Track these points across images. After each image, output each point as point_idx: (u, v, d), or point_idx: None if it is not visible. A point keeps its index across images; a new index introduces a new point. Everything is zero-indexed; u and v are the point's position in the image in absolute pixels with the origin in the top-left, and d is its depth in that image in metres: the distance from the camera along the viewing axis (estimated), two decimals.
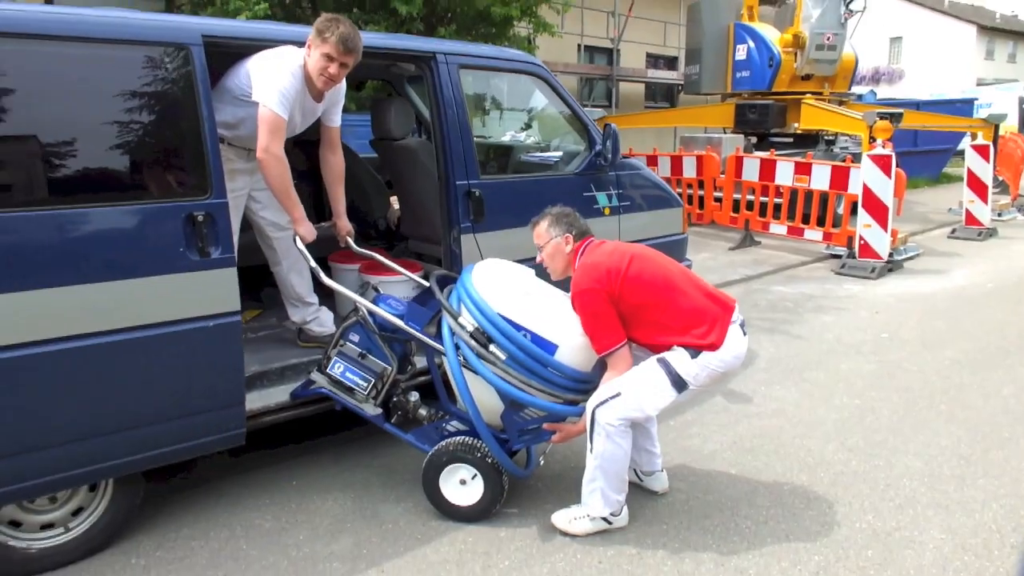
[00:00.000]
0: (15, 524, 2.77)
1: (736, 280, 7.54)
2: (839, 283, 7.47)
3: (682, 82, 14.55)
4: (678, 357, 2.81)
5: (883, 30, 33.13)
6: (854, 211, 7.92)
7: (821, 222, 8.51)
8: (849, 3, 11.02)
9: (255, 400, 3.27)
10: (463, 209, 3.70)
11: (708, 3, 13.08)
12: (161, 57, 2.77)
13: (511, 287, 3.02)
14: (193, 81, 2.81)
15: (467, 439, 3.07)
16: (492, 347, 2.84)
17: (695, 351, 2.79)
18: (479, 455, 3.02)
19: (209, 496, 3.31)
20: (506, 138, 5.47)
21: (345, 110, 3.59)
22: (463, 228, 3.70)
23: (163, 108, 2.79)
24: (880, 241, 7.71)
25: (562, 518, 3.04)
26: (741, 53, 11.73)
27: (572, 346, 2.89)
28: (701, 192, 9.73)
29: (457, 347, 2.92)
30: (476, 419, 2.95)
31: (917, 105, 15.69)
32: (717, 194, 9.57)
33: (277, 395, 3.37)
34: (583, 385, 2.93)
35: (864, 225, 7.74)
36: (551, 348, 2.86)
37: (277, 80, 3.00)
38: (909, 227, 10.10)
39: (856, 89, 18.03)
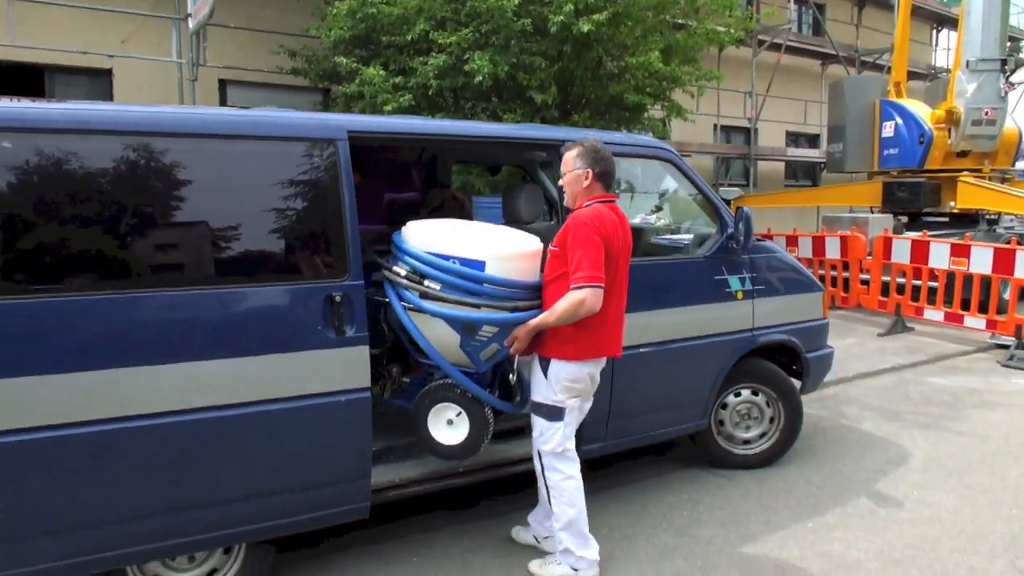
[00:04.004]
0: None
1: (886, 369, 7.00)
2: (1006, 376, 6.75)
3: (824, 160, 14.08)
4: (537, 389, 3.15)
5: None
6: (1022, 297, 7.21)
7: (983, 308, 7.79)
8: (1009, 76, 10.36)
9: (381, 474, 3.36)
10: None
11: (851, 81, 12.77)
12: (311, 151, 3.03)
13: (435, 228, 3.24)
14: (338, 172, 3.04)
15: (446, 380, 3.21)
16: (426, 281, 3.01)
17: (546, 361, 3.10)
18: (458, 391, 3.17)
19: (334, 567, 3.39)
20: (636, 220, 5.48)
21: (478, 193, 3.77)
22: None
23: (311, 196, 3.03)
24: None
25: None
26: (888, 130, 11.26)
27: (497, 258, 3.06)
28: (846, 274, 9.24)
29: (401, 297, 3.09)
30: (436, 357, 3.11)
31: None
32: (864, 276, 9.05)
33: (403, 470, 3.46)
34: (519, 292, 3.10)
35: None
36: (479, 265, 3.03)
37: None
38: None
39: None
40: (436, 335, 3.09)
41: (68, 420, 2.54)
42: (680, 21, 8.49)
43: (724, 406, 4.46)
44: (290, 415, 2.90)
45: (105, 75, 9.23)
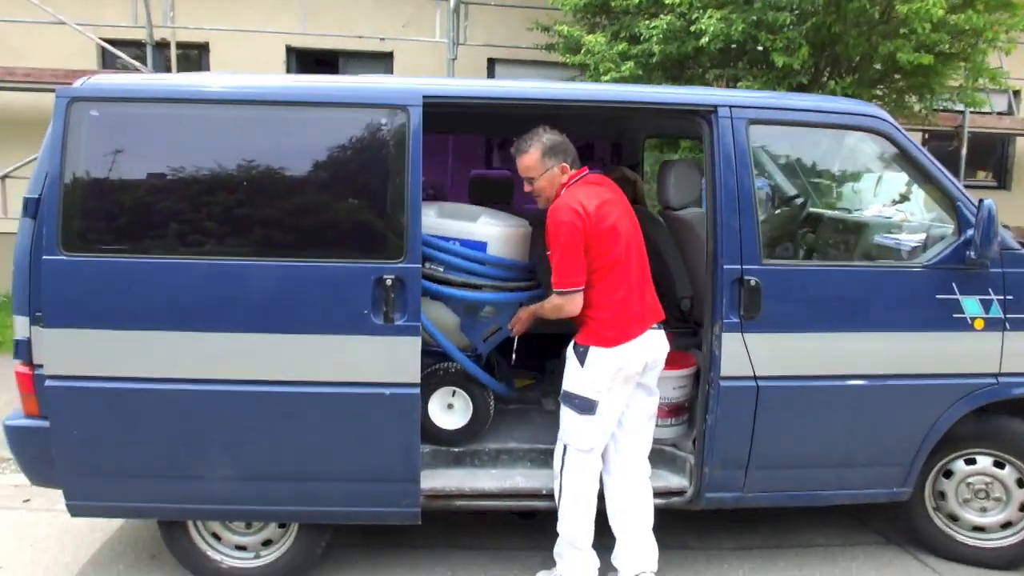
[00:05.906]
0: (216, 537, 3.04)
1: None
2: None
3: None
4: (571, 379, 2.84)
5: None
6: None
7: None
8: None
9: (451, 479, 3.06)
10: (729, 300, 2.93)
11: None
12: (378, 118, 2.78)
13: (432, 211, 3.11)
14: (406, 141, 2.75)
15: (444, 363, 3.14)
16: (427, 264, 2.91)
17: (583, 348, 2.80)
18: (455, 373, 3.12)
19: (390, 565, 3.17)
20: (867, 214, 4.27)
21: None
22: (727, 325, 2.93)
23: (373, 168, 2.81)
24: None
25: None
26: None
27: (499, 238, 3.08)
28: None
29: None
30: (439, 338, 3.02)
31: None
32: None
33: (479, 479, 3.10)
34: (523, 273, 3.16)
35: None
36: (481, 246, 3.03)
37: None
38: None
39: None
40: (437, 317, 3.04)
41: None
42: None
43: (948, 473, 3.27)
44: (326, 401, 2.76)
45: (388, 58, 10.00)
